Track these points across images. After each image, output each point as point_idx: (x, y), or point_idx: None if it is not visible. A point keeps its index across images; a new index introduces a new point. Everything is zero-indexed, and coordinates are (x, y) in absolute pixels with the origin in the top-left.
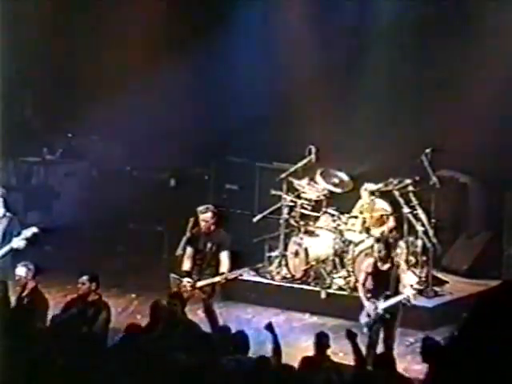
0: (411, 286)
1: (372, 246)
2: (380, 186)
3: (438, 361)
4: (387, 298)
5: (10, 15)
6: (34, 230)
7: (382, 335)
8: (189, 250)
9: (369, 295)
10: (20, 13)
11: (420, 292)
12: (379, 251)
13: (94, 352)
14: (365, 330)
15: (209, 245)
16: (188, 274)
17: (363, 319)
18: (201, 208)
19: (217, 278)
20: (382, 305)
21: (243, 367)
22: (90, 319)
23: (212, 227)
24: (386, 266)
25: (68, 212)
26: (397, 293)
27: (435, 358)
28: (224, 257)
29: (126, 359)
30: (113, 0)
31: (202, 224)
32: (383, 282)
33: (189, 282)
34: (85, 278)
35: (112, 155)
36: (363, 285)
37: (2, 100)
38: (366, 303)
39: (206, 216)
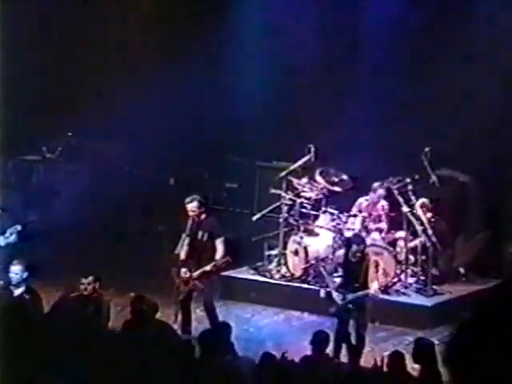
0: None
1: (349, 246)
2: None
3: (431, 362)
4: (356, 289)
5: (10, 15)
6: (18, 227)
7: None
8: (186, 240)
9: (338, 286)
10: (20, 13)
11: (385, 290)
12: (356, 252)
13: (92, 350)
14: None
15: (200, 233)
16: (184, 263)
17: (331, 309)
18: (187, 199)
19: (207, 267)
20: (350, 296)
21: (244, 365)
22: (90, 317)
23: (202, 216)
24: (357, 259)
25: (68, 211)
26: (366, 285)
27: (428, 359)
28: (218, 244)
29: (124, 357)
30: (113, 0)
31: (191, 214)
32: (353, 273)
33: (185, 272)
34: (91, 278)
35: (111, 154)
36: (331, 274)
37: (2, 100)
38: (335, 293)
39: (192, 205)
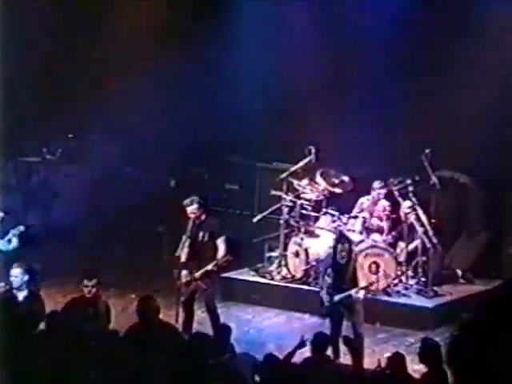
0: (365, 283)
1: (335, 246)
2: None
3: (437, 362)
4: (344, 290)
5: (10, 16)
6: (21, 228)
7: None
8: (187, 242)
9: (327, 287)
10: (20, 13)
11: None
12: (341, 251)
13: (92, 352)
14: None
15: (200, 234)
16: (185, 265)
17: (321, 310)
18: (186, 201)
19: (209, 267)
20: (337, 297)
21: (245, 366)
22: (90, 319)
23: (202, 217)
24: (345, 260)
25: (68, 212)
26: (354, 286)
27: (434, 359)
28: (220, 243)
29: (127, 360)
30: (113, 1)
31: (191, 216)
32: (340, 274)
33: (187, 274)
34: (94, 281)
35: (112, 156)
36: (323, 277)
37: (2, 100)
38: (324, 294)
39: (192, 208)
